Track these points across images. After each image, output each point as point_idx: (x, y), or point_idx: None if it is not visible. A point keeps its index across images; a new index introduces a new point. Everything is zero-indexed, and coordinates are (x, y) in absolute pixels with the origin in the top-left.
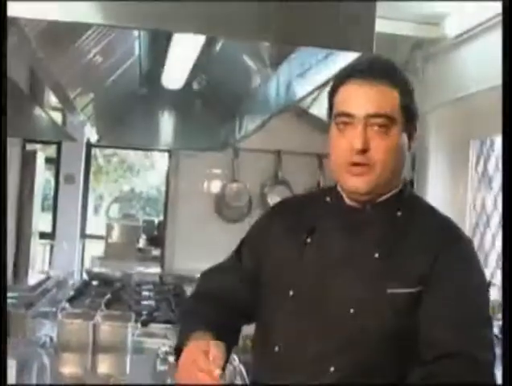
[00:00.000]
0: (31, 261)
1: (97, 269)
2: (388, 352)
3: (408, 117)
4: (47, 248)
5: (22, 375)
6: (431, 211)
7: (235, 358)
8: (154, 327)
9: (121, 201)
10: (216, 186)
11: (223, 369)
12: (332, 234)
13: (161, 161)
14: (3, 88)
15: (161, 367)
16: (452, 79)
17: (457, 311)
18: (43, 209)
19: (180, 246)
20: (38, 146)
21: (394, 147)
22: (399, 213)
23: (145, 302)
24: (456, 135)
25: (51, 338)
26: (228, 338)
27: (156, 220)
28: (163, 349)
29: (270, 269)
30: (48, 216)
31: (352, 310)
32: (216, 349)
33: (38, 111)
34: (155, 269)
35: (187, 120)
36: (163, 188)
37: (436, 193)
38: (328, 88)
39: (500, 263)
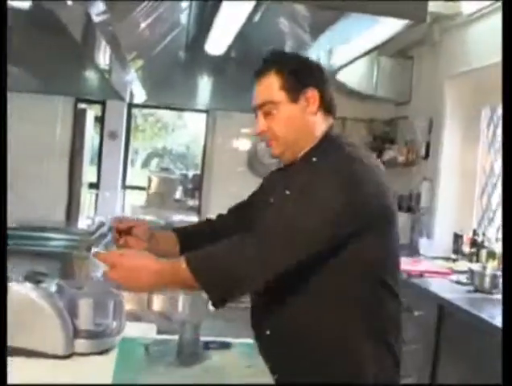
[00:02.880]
0: (81, 208)
1: (143, 217)
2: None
3: (294, 91)
4: (93, 196)
5: (98, 314)
6: (340, 154)
7: None
8: None
9: (156, 156)
10: (248, 144)
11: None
12: (280, 187)
13: (193, 121)
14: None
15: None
16: (466, 52)
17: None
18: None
19: (215, 197)
20: (84, 106)
21: (284, 121)
22: (314, 159)
23: None
24: (470, 103)
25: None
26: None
27: (190, 174)
28: None
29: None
30: (93, 169)
31: None
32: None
33: (88, 72)
34: (193, 218)
35: (224, 83)
36: (192, 146)
37: (450, 156)
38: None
39: None
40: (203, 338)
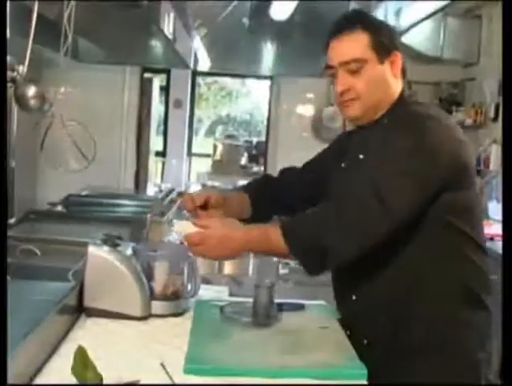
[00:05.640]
0: (149, 176)
1: (210, 183)
2: None
3: (382, 51)
4: (159, 164)
5: (175, 276)
6: (410, 113)
7: None
8: None
9: (220, 124)
10: (312, 109)
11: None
12: (351, 154)
13: (256, 88)
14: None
15: (283, 271)
16: None
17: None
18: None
19: (280, 163)
20: (149, 75)
21: (371, 80)
22: (386, 120)
23: None
24: None
25: (181, 243)
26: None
27: (254, 140)
28: None
29: (326, 186)
30: (160, 137)
31: None
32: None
33: (154, 41)
34: None
35: (288, 48)
36: (255, 113)
37: None
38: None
39: None
40: (276, 300)
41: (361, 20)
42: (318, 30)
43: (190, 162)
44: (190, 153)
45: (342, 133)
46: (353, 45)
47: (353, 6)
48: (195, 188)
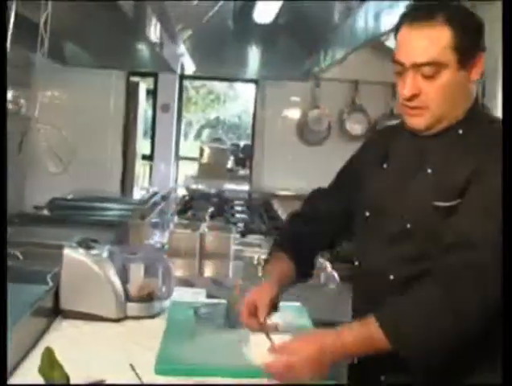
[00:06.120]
0: (136, 179)
1: (194, 186)
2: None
3: (467, 55)
4: (147, 168)
5: (150, 278)
6: (494, 129)
7: (328, 265)
8: (250, 237)
9: (209, 127)
10: (298, 113)
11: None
12: (402, 159)
13: (244, 91)
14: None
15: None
16: None
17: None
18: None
19: (266, 166)
20: (136, 79)
21: (447, 88)
22: (461, 131)
23: (239, 216)
24: None
25: (163, 245)
26: (306, 256)
27: (241, 144)
28: (263, 257)
29: (357, 193)
30: (147, 141)
31: (408, 225)
32: (261, 302)
33: (140, 46)
34: (244, 187)
35: (273, 52)
36: (244, 116)
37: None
38: None
39: None
40: None
41: (445, 8)
42: (302, 34)
43: (178, 166)
44: (178, 157)
45: (371, 134)
46: (431, 43)
47: (337, 7)
48: (181, 191)
